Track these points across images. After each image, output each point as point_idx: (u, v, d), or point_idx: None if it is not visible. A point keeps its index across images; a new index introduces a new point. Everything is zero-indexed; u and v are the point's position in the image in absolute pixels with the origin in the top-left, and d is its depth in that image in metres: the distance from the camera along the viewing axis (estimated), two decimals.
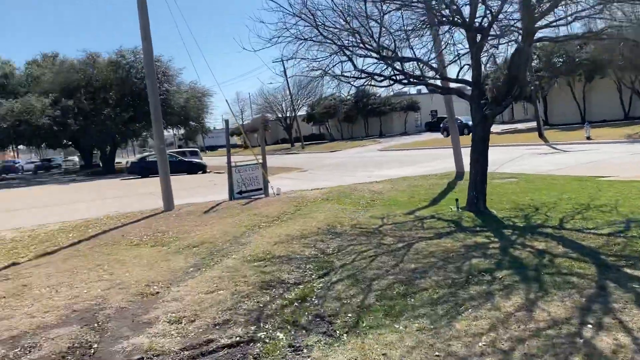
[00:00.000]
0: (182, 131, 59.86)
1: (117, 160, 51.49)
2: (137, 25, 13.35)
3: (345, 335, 4.44)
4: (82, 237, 10.39)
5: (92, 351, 4.45)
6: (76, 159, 66.64)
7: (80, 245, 9.62)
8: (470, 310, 4.75)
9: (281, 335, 4.54)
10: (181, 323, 4.92)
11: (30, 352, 4.52)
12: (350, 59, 9.55)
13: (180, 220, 11.51)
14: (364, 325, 4.61)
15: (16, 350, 4.56)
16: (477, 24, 9.10)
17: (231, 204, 13.42)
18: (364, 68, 9.81)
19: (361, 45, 9.64)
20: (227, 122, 16.01)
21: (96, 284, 6.58)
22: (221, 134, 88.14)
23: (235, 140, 69.64)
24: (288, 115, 66.68)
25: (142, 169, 31.73)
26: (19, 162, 67.19)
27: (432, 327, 4.43)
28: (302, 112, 67.02)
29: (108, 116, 37.64)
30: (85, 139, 40.66)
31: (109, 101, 39.36)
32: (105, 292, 6.16)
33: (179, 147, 67.63)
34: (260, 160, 14.81)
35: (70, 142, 46.68)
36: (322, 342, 4.34)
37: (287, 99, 64.03)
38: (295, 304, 5.31)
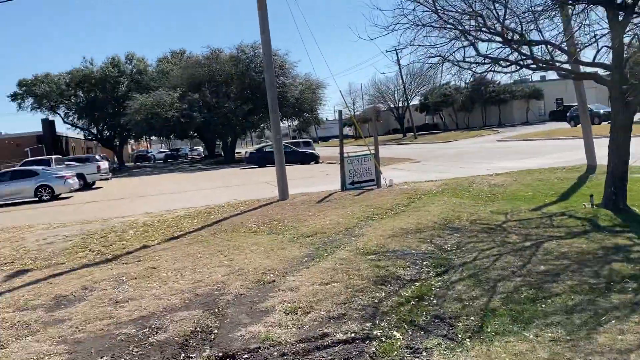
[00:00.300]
0: (295, 122, 61.43)
1: (237, 150, 54.22)
2: (256, 22, 13.76)
3: (468, 340, 4.13)
4: (205, 223, 10.94)
5: (213, 336, 4.58)
6: (201, 149, 71.37)
7: (202, 230, 10.13)
8: (613, 321, 4.20)
9: (398, 335, 4.33)
10: (296, 314, 4.90)
11: (157, 333, 4.76)
12: (473, 44, 8.98)
13: (295, 209, 11.70)
14: (489, 330, 4.25)
15: (144, 331, 4.83)
16: (619, 0, 8.10)
17: (343, 195, 13.41)
18: (487, 53, 9.17)
19: (484, 29, 9.03)
20: (340, 112, 16.00)
21: (217, 269, 6.83)
22: (333, 125, 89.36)
23: (346, 131, 70.14)
24: (400, 105, 65.70)
25: (259, 159, 33.05)
26: (151, 152, 73.47)
27: (568, 338, 3.97)
28: (415, 101, 65.66)
29: (229, 109, 39.67)
30: (208, 131, 43.28)
31: (230, 95, 41.49)
32: (225, 278, 6.37)
33: (293, 138, 69.62)
34: (373, 151, 14.62)
35: (195, 134, 50.01)
36: (442, 346, 4.06)
37: (400, 89, 63.08)
38: (412, 302, 5.07)
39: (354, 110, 72.35)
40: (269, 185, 18.81)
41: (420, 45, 9.72)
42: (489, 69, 9.53)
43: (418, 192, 12.57)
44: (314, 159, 32.61)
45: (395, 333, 4.38)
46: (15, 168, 24.47)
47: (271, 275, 6.35)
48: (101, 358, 4.29)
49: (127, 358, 4.26)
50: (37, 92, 50.24)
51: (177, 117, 39.48)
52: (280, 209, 12.00)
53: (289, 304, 5.17)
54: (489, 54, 9.35)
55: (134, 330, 4.86)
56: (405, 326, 4.51)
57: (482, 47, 9.50)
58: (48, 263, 8.42)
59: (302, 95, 42.00)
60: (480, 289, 5.25)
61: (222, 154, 50.57)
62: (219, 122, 40.32)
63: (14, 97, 51.83)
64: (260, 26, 13.53)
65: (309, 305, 5.09)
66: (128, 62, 54.11)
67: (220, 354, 4.17)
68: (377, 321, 4.64)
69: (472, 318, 4.55)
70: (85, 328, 5.03)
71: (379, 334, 4.37)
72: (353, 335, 4.37)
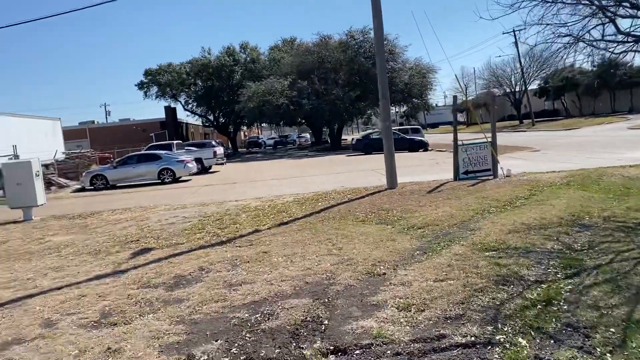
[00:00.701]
0: (403, 109, 60.34)
1: (343, 137, 54.49)
2: (366, 8, 13.47)
3: (608, 355, 3.63)
4: (313, 210, 10.99)
5: (323, 327, 4.48)
6: (308, 135, 72.75)
7: (311, 217, 10.17)
8: None
9: (524, 342, 3.93)
10: (410, 311, 4.65)
11: (268, 319, 4.76)
12: (613, 21, 8.01)
13: (404, 199, 11.37)
14: (634, 346, 3.71)
15: (257, 316, 4.86)
16: None
17: (456, 185, 12.81)
18: (629, 31, 8.14)
19: (625, 3, 8.01)
20: (455, 97, 15.30)
21: (326, 258, 6.76)
22: (443, 111, 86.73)
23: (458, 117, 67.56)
24: (517, 89, 61.96)
25: (365, 146, 32.89)
26: (261, 138, 76.27)
27: None
28: (533, 85, 61.55)
29: (337, 95, 39.85)
30: (316, 117, 43.88)
31: (338, 81, 41.64)
32: (334, 267, 6.27)
33: (400, 124, 68.50)
34: (489, 139, 13.79)
35: (303, 120, 50.99)
36: (577, 359, 3.61)
37: (517, 72, 59.41)
38: (539, 306, 4.59)
39: (466, 95, 69.53)
40: (375, 173, 18.57)
41: (548, 25, 8.89)
42: (630, 49, 8.46)
43: (539, 184, 11.65)
44: (422, 146, 31.76)
45: (520, 340, 3.97)
46: (142, 152, 26.52)
47: (381, 267, 6.14)
48: (216, 341, 4.37)
49: (241, 343, 4.28)
50: (161, 80, 54.15)
51: (287, 104, 40.46)
52: (389, 198, 11.72)
53: (401, 300, 4.93)
54: (631, 31, 8.29)
55: (246, 315, 4.91)
56: (532, 333, 4.08)
57: (623, 24, 8.43)
58: (169, 243, 8.92)
59: (412, 80, 41.01)
60: (620, 296, 4.63)
61: (329, 140, 51.11)
62: (326, 109, 40.68)
63: (140, 85, 56.31)
64: (372, 10, 13.22)
65: (423, 302, 4.81)
66: (242, 51, 56.42)
67: (331, 347, 4.05)
68: (500, 325, 4.25)
69: (612, 330, 4.01)
70: (201, 309, 5.18)
71: (502, 340, 3.99)
72: (473, 339, 4.04)
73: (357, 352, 3.98)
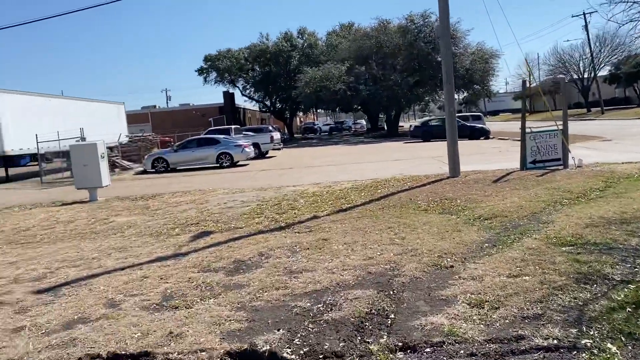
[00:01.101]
0: (463, 95, 58.58)
1: (399, 124, 53.61)
2: None
3: None
4: (372, 197, 10.73)
5: (389, 322, 4.25)
6: (363, 122, 72.19)
7: (370, 205, 9.91)
8: None
9: (614, 349, 3.55)
10: (483, 308, 4.34)
11: (331, 310, 4.58)
12: None
13: (468, 188, 10.90)
14: None
15: (319, 306, 4.69)
16: None
17: (523, 174, 12.18)
18: None
19: None
20: (524, 82, 14.60)
21: (388, 247, 6.51)
22: (504, 97, 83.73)
23: (516, 104, 64.93)
24: (585, 76, 58.77)
25: (424, 133, 32.15)
26: (317, 124, 76.33)
27: None
28: (603, 72, 58.20)
29: (395, 81, 39.09)
30: (373, 103, 43.28)
31: (396, 66, 40.85)
32: (397, 258, 6.01)
33: (459, 111, 66.58)
34: (560, 126, 13.00)
35: (359, 107, 50.49)
36: None
37: (586, 58, 56.34)
38: (628, 308, 4.17)
39: (529, 81, 66.73)
40: (435, 160, 18.04)
41: (634, 2, 8.16)
42: None
43: (615, 175, 10.88)
44: (483, 134, 30.71)
45: (610, 346, 3.60)
46: (201, 136, 27.01)
47: (448, 259, 5.83)
48: (278, 330, 4.23)
49: (303, 334, 4.13)
50: (220, 66, 55.01)
51: (344, 90, 40.11)
52: (452, 186, 11.28)
53: (473, 295, 4.62)
54: None
55: (308, 304, 4.75)
56: (623, 338, 3.69)
57: None
58: (228, 227, 8.92)
59: (473, 66, 39.61)
60: None
61: (385, 127, 50.39)
62: (384, 95, 40.02)
63: (200, 71, 57.45)
64: None
65: (497, 299, 4.48)
66: (300, 36, 56.37)
67: (400, 344, 3.81)
68: (585, 328, 3.88)
69: None
70: (262, 296, 5.07)
71: (589, 345, 3.63)
72: (555, 342, 3.69)
73: (428, 350, 3.73)
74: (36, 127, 23.15)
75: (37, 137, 22.28)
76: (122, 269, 6.58)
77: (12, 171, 24.90)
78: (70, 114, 27.44)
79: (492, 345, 3.72)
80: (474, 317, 4.17)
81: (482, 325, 4.03)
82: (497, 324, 4.03)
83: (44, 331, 4.62)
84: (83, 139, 21.78)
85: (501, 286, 4.79)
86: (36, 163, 24.37)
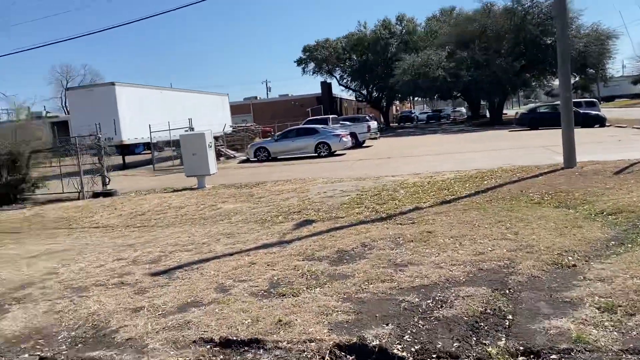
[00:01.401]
0: (574, 80, 54.37)
1: (503, 111, 50.98)
2: None
3: None
4: (478, 189, 10.23)
5: (507, 323, 3.96)
6: (463, 110, 69.62)
7: (476, 197, 9.45)
8: None
9: None
10: (615, 313, 3.91)
11: (441, 307, 4.37)
12: None
13: (586, 180, 10.04)
14: None
15: (428, 302, 4.49)
16: None
17: None
18: None
19: None
20: None
21: (500, 243, 6.13)
22: (621, 82, 76.64)
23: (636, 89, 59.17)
24: None
25: (532, 120, 30.31)
26: (414, 113, 74.74)
27: None
28: None
29: (499, 66, 37.07)
30: (475, 90, 41.39)
31: (501, 51, 38.73)
32: (511, 254, 5.63)
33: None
34: None
35: (459, 94, 48.64)
36: None
37: None
38: None
39: None
40: (546, 150, 16.88)
41: None
42: None
43: None
44: (598, 121, 28.30)
45: None
46: (300, 126, 27.47)
47: (569, 258, 5.35)
48: (386, 325, 4.10)
49: (413, 330, 3.97)
50: (318, 56, 55.57)
51: (444, 76, 38.78)
52: (567, 178, 10.45)
53: (602, 299, 4.18)
54: None
55: (417, 300, 4.57)
56: None
57: None
58: (329, 216, 8.92)
59: (588, 48, 36.44)
60: None
61: (487, 115, 48.17)
62: (487, 81, 38.09)
63: (299, 62, 58.43)
64: None
65: (633, 304, 4.02)
66: (398, 23, 55.33)
67: (521, 348, 3.53)
68: None
69: None
70: (367, 288, 4.97)
71: None
72: None
73: (554, 356, 3.41)
74: (149, 118, 24.79)
75: (150, 128, 23.84)
76: (231, 254, 6.80)
77: (128, 159, 26.92)
78: (179, 105, 29.12)
79: (629, 357, 3.34)
80: (606, 323, 3.77)
81: (615, 333, 3.63)
82: (634, 332, 3.61)
83: (160, 312, 4.87)
84: (192, 129, 22.98)
85: (635, 290, 4.30)
86: (149, 152, 26.17)
